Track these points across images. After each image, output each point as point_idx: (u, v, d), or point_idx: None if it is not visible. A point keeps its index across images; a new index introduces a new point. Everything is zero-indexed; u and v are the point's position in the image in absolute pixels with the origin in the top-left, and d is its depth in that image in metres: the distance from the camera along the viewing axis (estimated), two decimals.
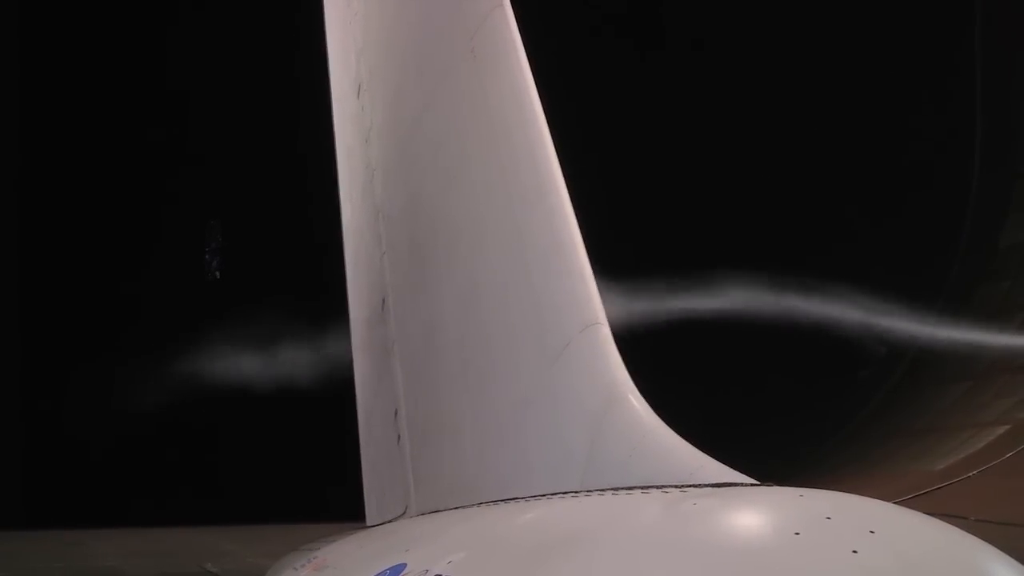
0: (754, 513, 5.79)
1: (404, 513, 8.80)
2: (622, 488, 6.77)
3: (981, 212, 23.07)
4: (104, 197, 27.14)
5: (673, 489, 6.39)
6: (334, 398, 10.79)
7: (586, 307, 7.86)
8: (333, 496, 11.23)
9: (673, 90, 26.14)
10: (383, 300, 9.64)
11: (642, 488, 6.57)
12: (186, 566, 12.49)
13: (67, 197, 26.93)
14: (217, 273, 25.02)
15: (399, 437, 9.06)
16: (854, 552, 5.39)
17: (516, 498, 7.63)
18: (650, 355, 8.93)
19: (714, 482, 6.45)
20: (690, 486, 6.41)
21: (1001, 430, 17.50)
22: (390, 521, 9.03)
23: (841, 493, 6.63)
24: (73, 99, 27.71)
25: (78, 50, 28.45)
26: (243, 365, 17.89)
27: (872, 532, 5.60)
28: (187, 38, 26.30)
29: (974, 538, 6.21)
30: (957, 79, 25.92)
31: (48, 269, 25.90)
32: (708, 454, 6.86)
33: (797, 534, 5.52)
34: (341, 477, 10.72)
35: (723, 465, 6.63)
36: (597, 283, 7.86)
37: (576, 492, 7.13)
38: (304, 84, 13.68)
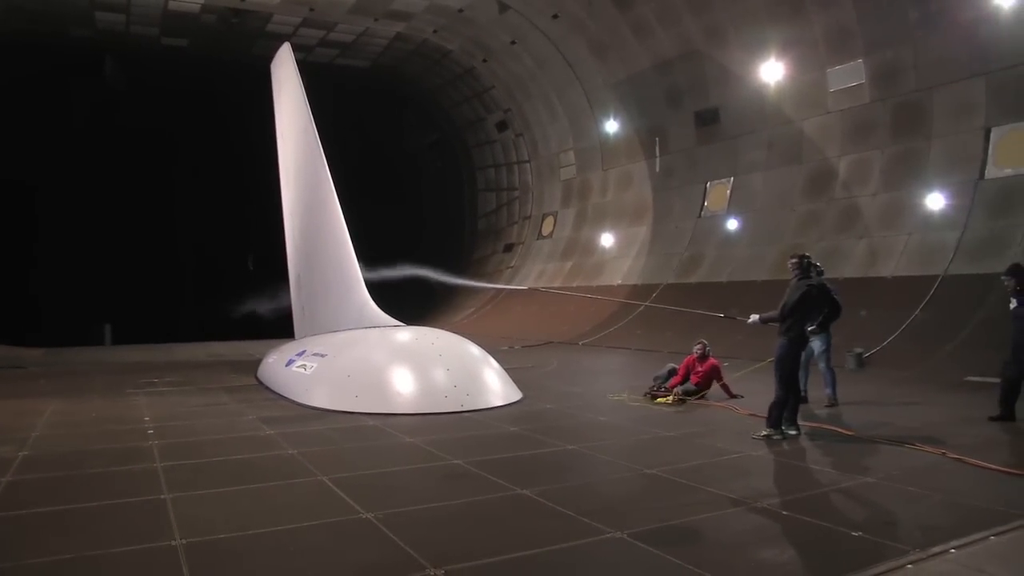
0: (407, 332, 9.60)
1: (304, 336, 10.90)
2: (370, 327, 9.94)
3: (468, 246, 27.06)
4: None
5: (383, 327, 9.92)
6: (286, 305, 12.34)
7: (355, 273, 10.88)
8: (288, 330, 12.30)
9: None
10: (299, 275, 11.77)
11: (374, 327, 9.92)
12: (242, 354, 14.15)
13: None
14: (251, 267, 24.38)
15: (304, 315, 11.49)
16: (433, 343, 9.22)
17: (337, 330, 10.40)
18: (379, 292, 10.84)
19: (395, 324, 10.08)
20: (388, 326, 9.99)
21: (474, 307, 22.68)
22: (301, 339, 11.07)
23: (433, 328, 10.13)
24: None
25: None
26: (261, 297, 16.65)
27: (439, 337, 9.42)
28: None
29: (471, 342, 9.67)
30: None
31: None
32: (394, 317, 10.35)
33: (416, 338, 9.39)
34: (289, 327, 12.20)
35: (398, 320, 10.21)
36: (361, 269, 10.56)
37: (356, 328, 10.04)
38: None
